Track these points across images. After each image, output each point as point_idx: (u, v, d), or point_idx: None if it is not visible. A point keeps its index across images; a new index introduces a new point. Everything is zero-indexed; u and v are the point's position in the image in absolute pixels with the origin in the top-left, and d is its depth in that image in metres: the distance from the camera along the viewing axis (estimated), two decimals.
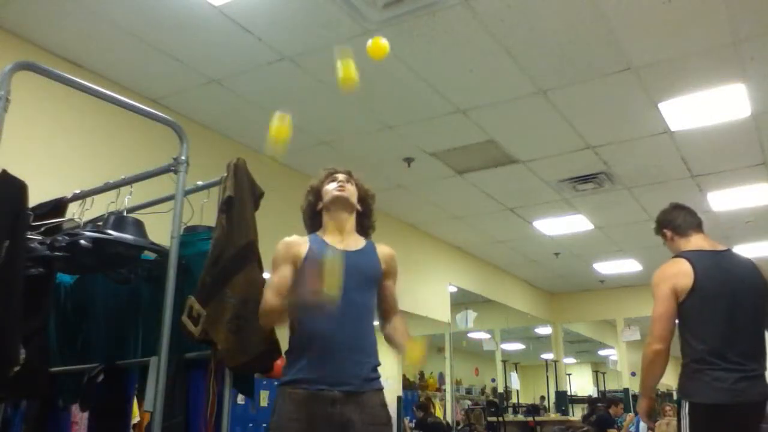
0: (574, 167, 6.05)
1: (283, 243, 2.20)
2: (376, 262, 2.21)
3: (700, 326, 2.58)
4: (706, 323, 2.57)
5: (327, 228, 2.26)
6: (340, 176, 2.30)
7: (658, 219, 2.96)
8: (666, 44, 4.13)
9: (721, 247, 2.78)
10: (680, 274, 2.62)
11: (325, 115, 5.07)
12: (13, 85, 1.97)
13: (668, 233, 2.88)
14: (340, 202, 2.25)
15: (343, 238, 2.22)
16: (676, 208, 2.93)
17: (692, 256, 2.68)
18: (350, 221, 2.27)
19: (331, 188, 2.27)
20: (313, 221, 2.32)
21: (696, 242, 2.79)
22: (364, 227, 2.33)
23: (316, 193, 2.32)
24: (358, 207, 2.30)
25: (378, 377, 2.11)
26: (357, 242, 2.25)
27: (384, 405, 2.09)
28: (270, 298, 2.08)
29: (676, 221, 2.87)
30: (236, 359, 2.20)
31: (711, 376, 2.50)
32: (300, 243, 2.19)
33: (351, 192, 2.28)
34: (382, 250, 2.26)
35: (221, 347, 2.17)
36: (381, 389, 2.11)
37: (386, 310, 2.24)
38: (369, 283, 2.17)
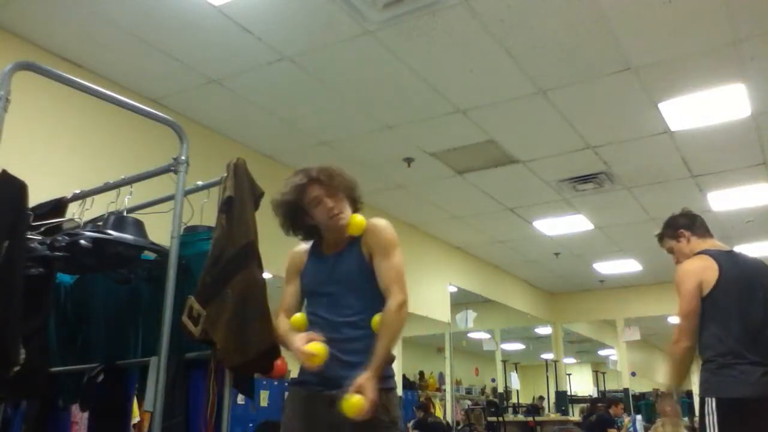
0: (574, 167, 6.05)
1: (289, 255, 2.30)
2: (359, 257, 2.15)
3: (726, 320, 2.61)
4: (730, 318, 2.61)
5: (325, 238, 2.25)
6: (328, 201, 2.14)
7: (675, 222, 2.98)
8: (666, 44, 4.13)
9: (731, 249, 2.87)
10: (706, 268, 2.68)
11: (325, 115, 5.08)
12: (13, 85, 1.96)
13: (686, 234, 2.91)
14: (339, 228, 2.19)
15: (338, 244, 2.22)
16: (690, 213, 3.00)
17: (715, 254, 2.75)
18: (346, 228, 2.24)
19: (324, 218, 2.16)
20: (297, 231, 2.26)
21: (712, 243, 2.87)
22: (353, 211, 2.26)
23: (293, 208, 2.19)
24: (349, 202, 2.23)
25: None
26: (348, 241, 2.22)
27: (385, 405, 2.01)
28: (281, 321, 2.20)
29: (695, 223, 2.94)
30: (236, 359, 2.20)
31: (738, 370, 2.52)
32: (302, 254, 2.28)
33: (345, 213, 2.17)
34: (366, 232, 2.16)
35: (221, 347, 2.17)
36: (381, 389, 2.03)
37: (382, 288, 2.10)
38: (357, 282, 2.13)
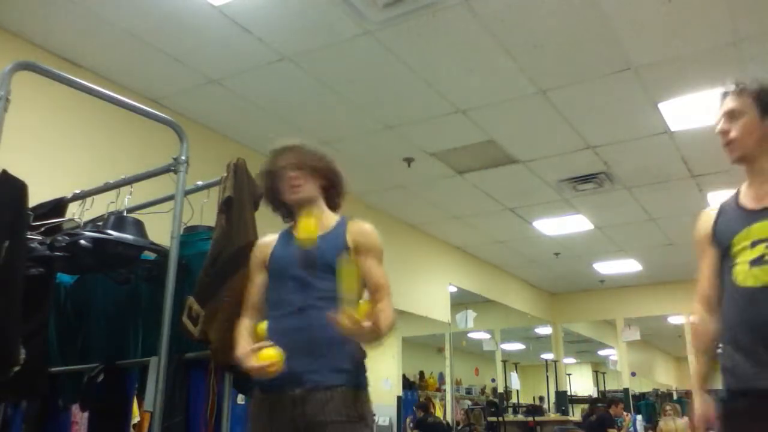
0: (574, 167, 6.05)
1: (255, 247, 2.15)
2: (340, 244, 1.99)
3: None
4: None
5: (297, 215, 2.10)
6: (290, 171, 2.06)
7: None
8: (666, 44, 4.13)
9: None
10: None
11: (325, 115, 5.08)
12: (13, 85, 1.97)
13: None
14: (298, 203, 2.09)
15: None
16: None
17: None
18: (317, 204, 2.10)
19: (284, 190, 2.09)
20: (278, 208, 2.17)
21: None
22: (331, 198, 2.15)
23: (272, 185, 2.12)
24: (322, 183, 2.12)
25: (347, 371, 1.88)
26: (327, 223, 2.06)
27: (354, 402, 1.86)
28: (243, 325, 2.04)
29: None
30: (230, 358, 2.20)
31: None
32: (268, 244, 2.11)
33: (305, 186, 2.07)
34: (353, 226, 2.05)
35: (215, 346, 2.17)
36: (351, 385, 1.88)
37: (370, 288, 1.98)
38: (332, 268, 1.89)
